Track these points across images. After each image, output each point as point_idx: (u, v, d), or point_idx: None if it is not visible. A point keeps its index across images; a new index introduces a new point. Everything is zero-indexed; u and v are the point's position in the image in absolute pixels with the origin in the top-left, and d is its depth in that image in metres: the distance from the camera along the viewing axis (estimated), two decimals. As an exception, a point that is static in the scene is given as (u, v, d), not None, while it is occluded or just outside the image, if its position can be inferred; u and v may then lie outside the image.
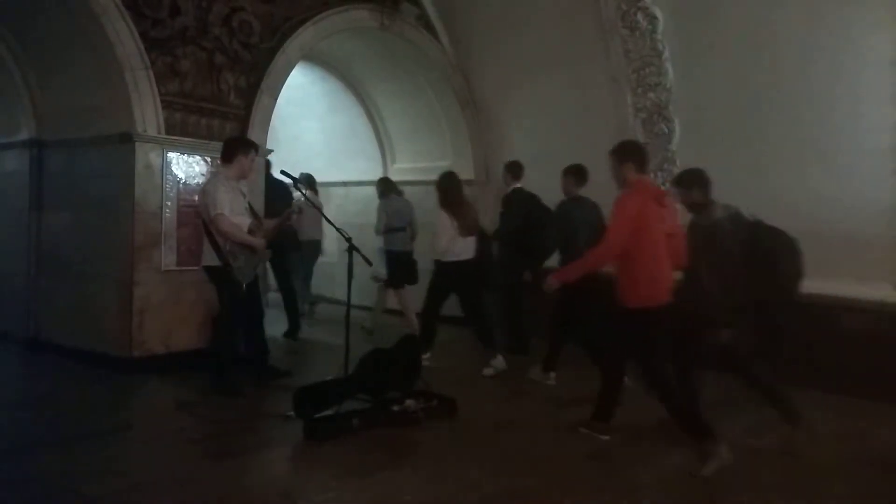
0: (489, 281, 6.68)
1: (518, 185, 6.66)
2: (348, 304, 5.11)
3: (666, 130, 6.88)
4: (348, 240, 5.08)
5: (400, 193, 7.90)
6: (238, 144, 5.33)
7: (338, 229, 5.14)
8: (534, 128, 8.08)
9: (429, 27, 8.22)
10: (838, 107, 5.80)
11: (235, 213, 5.07)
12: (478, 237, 6.34)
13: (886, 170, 5.60)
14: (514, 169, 6.69)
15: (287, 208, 5.72)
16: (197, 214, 5.38)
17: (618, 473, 3.91)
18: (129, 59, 5.50)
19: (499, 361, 6.08)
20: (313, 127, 9.98)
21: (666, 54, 6.70)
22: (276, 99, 6.67)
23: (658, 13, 6.62)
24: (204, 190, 5.20)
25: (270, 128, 6.66)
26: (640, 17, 6.67)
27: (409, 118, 9.07)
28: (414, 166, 9.22)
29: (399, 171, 9.38)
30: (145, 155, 5.64)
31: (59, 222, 6.23)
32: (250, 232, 5.14)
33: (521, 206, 6.55)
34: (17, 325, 6.42)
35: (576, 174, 5.94)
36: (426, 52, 8.18)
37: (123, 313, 5.62)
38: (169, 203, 5.78)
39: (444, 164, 8.82)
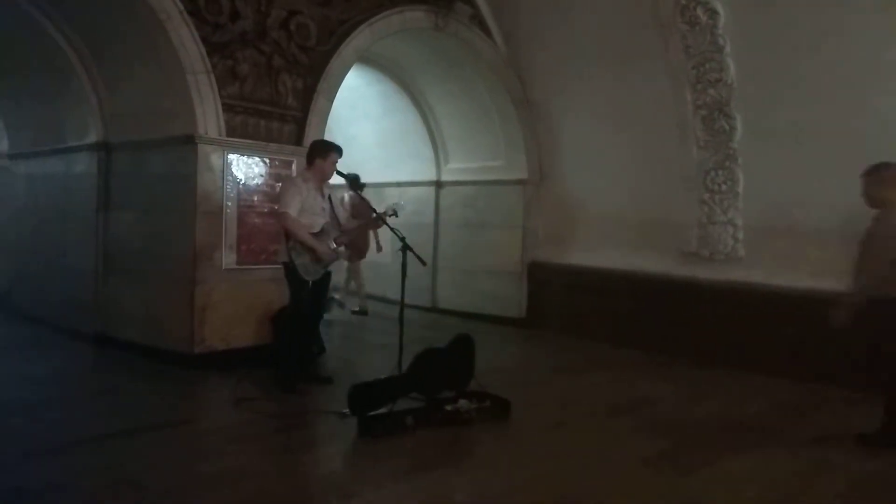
0: None
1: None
2: (402, 303, 5.15)
3: (727, 128, 6.69)
4: (402, 239, 5.12)
5: None
6: (315, 148, 5.42)
7: (392, 229, 5.20)
8: (589, 126, 7.97)
9: (483, 27, 8.20)
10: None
11: (308, 212, 5.15)
12: None
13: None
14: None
15: None
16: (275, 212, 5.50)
17: (673, 480, 3.81)
18: (192, 63, 5.66)
19: None
20: (368, 128, 10.08)
21: (727, 49, 6.52)
22: (332, 101, 6.75)
23: (719, 7, 6.44)
24: (280, 188, 5.32)
25: (326, 129, 6.75)
26: (699, 11, 6.50)
27: (462, 118, 9.08)
28: (467, 166, 9.23)
29: (452, 172, 9.40)
30: (207, 156, 5.78)
31: (125, 222, 6.46)
32: (323, 231, 5.20)
33: None
34: (85, 321, 6.67)
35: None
36: (480, 51, 8.16)
37: (186, 311, 5.77)
38: (230, 203, 5.91)
39: (497, 164, 8.82)
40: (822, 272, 6.05)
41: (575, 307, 7.96)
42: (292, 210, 5.08)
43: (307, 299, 5.22)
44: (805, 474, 3.91)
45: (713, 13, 6.48)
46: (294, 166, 6.29)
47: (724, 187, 6.76)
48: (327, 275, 5.41)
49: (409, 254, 5.13)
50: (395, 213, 5.46)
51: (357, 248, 8.75)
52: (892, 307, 4.17)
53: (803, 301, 6.13)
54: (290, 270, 5.13)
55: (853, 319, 4.27)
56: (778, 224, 6.40)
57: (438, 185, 9.51)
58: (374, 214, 5.41)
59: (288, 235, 5.09)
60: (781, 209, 6.42)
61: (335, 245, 5.30)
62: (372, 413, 4.41)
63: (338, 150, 5.41)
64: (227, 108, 5.89)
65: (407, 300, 5.22)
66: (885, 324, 4.21)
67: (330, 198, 5.43)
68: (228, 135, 5.90)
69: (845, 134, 5.90)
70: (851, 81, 5.80)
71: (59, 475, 3.53)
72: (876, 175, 4.50)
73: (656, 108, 7.14)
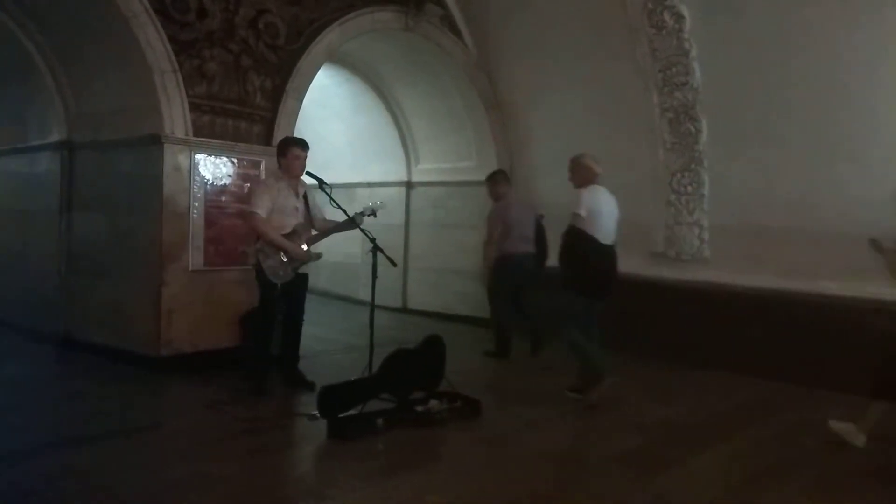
0: None
1: None
2: (372, 304, 5.14)
3: (693, 130, 6.81)
4: (373, 240, 5.12)
5: None
6: (278, 146, 5.39)
7: (363, 230, 5.19)
8: (558, 128, 8.03)
9: (453, 28, 8.21)
10: (871, 106, 5.70)
11: (280, 212, 5.10)
12: None
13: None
14: None
15: None
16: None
17: (644, 477, 3.87)
18: (158, 62, 5.57)
19: None
20: (338, 128, 10.03)
21: (693, 53, 6.63)
22: (301, 101, 6.70)
23: (685, 11, 6.55)
24: (250, 188, 5.31)
25: (295, 129, 6.70)
26: (666, 15, 6.60)
27: (432, 119, 9.09)
28: (438, 167, 9.24)
29: (423, 172, 9.41)
30: (174, 156, 5.70)
31: (89, 223, 6.33)
32: (294, 232, 5.15)
33: None
34: (49, 323, 6.53)
35: None
36: (450, 52, 8.18)
37: (152, 313, 5.69)
38: (197, 204, 5.84)
39: (468, 165, 8.84)
40: (787, 272, 6.20)
41: (544, 307, 8.00)
42: (261, 210, 5.03)
43: (277, 302, 5.19)
44: (772, 470, 4.00)
45: (679, 17, 6.58)
46: (263, 166, 6.24)
47: (689, 189, 6.87)
48: (303, 278, 5.36)
49: (379, 255, 5.13)
50: (373, 214, 5.36)
51: None
52: (501, 262, 6.67)
53: (768, 301, 6.27)
54: (258, 273, 5.09)
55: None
56: (743, 225, 6.52)
57: (409, 185, 9.50)
58: (351, 215, 5.27)
59: (256, 236, 5.05)
60: (746, 210, 6.54)
61: (306, 246, 5.25)
62: (342, 415, 4.40)
63: (299, 145, 5.28)
64: (195, 107, 5.81)
65: (377, 301, 5.22)
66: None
67: (305, 196, 5.34)
68: (196, 135, 5.82)
69: (809, 136, 6.05)
70: (816, 85, 5.94)
71: (26, 481, 3.46)
72: (496, 178, 7.00)
73: (624, 110, 7.23)
